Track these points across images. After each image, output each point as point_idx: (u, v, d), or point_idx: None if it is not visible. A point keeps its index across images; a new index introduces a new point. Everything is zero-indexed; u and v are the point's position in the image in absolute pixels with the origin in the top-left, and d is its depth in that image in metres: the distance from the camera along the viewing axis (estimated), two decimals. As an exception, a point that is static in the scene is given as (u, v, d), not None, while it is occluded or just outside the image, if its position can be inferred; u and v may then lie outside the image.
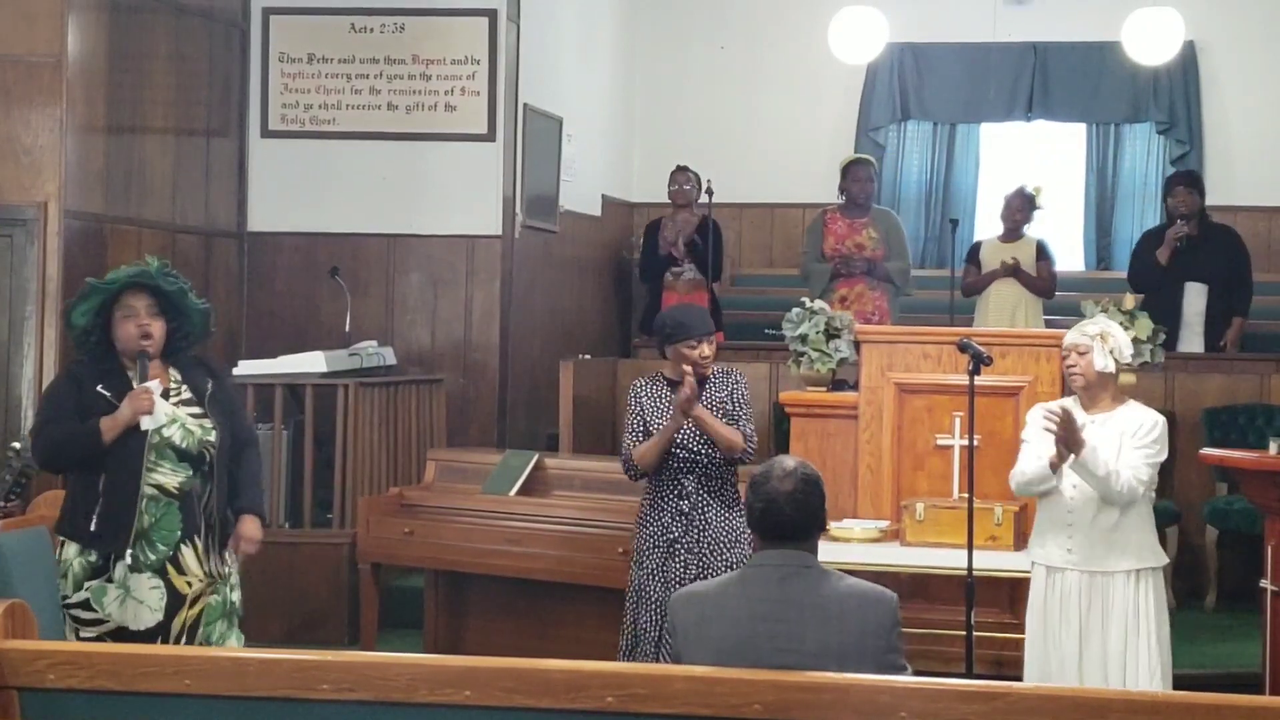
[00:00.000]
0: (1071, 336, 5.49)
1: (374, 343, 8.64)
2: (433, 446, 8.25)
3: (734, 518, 5.63)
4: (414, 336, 9.16)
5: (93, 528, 4.95)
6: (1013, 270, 9.20)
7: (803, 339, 6.86)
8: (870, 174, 9.37)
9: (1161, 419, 5.45)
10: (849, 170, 9.31)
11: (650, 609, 5.64)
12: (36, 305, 7.49)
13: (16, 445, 6.84)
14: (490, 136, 9.08)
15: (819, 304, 7.01)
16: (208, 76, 8.93)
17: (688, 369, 5.60)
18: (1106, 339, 5.42)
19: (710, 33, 11.54)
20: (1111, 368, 5.42)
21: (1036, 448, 5.48)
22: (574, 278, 10.47)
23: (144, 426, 4.96)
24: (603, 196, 10.93)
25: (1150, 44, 9.66)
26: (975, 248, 9.62)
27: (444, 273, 9.15)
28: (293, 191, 9.21)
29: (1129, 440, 5.37)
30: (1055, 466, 5.36)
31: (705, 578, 5.39)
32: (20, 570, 5.62)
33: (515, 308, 9.32)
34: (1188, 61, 10.83)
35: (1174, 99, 10.98)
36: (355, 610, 7.52)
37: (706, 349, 5.71)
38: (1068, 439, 5.25)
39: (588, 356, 9.28)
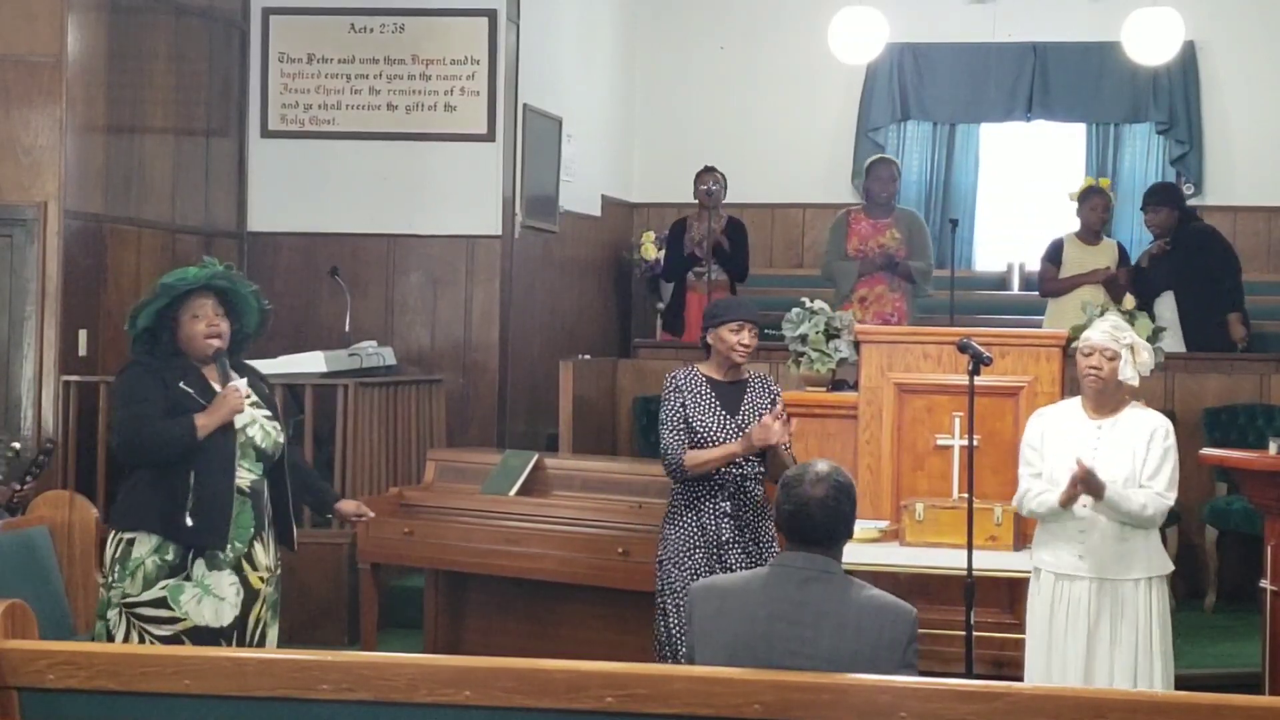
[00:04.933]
0: (1100, 337, 5.33)
1: (374, 343, 8.64)
2: (433, 446, 8.25)
3: (769, 521, 5.61)
4: (414, 336, 9.16)
5: (189, 523, 4.94)
6: (1111, 277, 9.08)
7: (802, 339, 6.86)
8: (893, 173, 9.31)
9: (1169, 424, 5.41)
10: (871, 169, 9.27)
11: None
12: (36, 305, 7.50)
13: (16, 445, 6.86)
14: (490, 137, 9.08)
15: (819, 304, 7.00)
16: (207, 76, 8.93)
17: (767, 424, 5.50)
18: (1137, 351, 5.33)
19: (710, 33, 11.53)
20: (1135, 381, 5.36)
21: (1037, 467, 5.42)
22: (574, 278, 10.47)
23: (238, 425, 5.03)
24: (602, 197, 10.93)
25: (1150, 44, 9.65)
26: (1056, 246, 9.33)
27: (444, 273, 9.15)
28: (292, 191, 9.21)
29: (1140, 450, 5.30)
30: (1066, 505, 5.26)
31: None
32: (20, 570, 5.64)
33: (515, 308, 9.32)
34: (1188, 61, 10.82)
35: (1174, 99, 10.97)
36: (355, 610, 7.51)
37: (747, 336, 5.69)
38: (1090, 488, 5.18)
39: (587, 356, 9.27)
